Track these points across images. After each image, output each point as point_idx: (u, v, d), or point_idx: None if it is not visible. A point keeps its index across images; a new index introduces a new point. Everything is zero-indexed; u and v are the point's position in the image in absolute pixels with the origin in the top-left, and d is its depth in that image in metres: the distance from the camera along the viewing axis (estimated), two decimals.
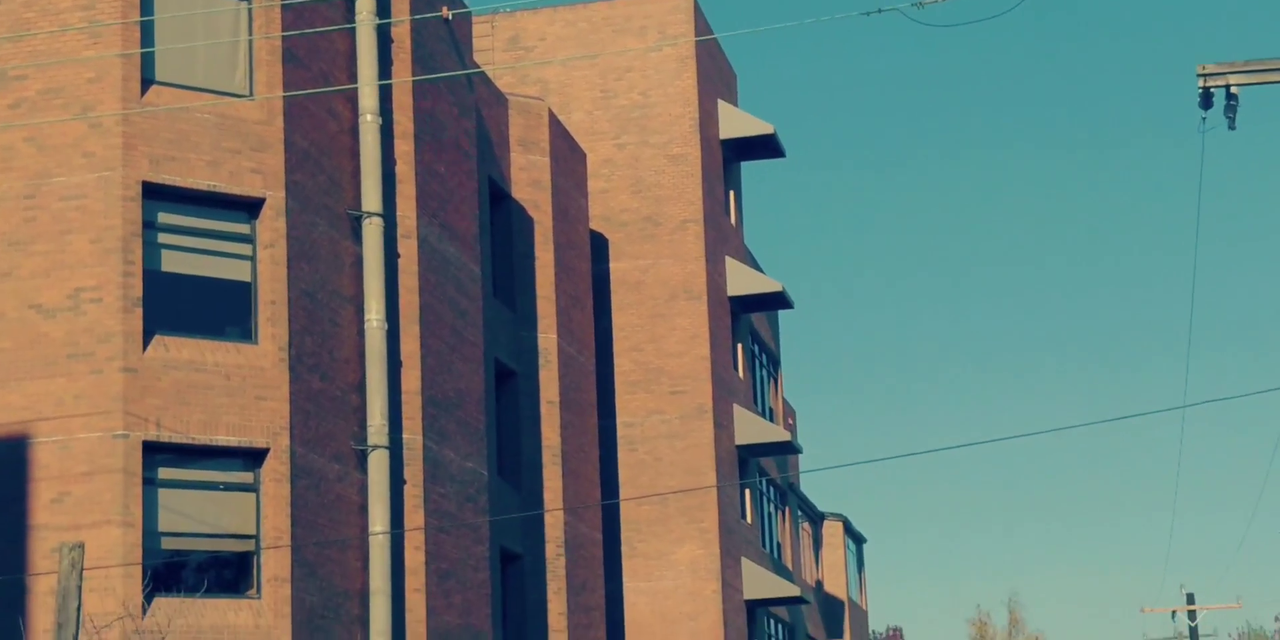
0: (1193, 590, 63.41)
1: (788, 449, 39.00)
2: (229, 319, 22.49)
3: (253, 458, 22.09)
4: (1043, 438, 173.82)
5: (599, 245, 35.37)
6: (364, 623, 23.44)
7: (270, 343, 22.29)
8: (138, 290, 21.51)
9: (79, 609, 16.55)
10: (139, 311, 21.48)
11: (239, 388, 22.00)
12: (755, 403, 40.08)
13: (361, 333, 24.00)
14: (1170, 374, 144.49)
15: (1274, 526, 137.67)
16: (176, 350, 21.80)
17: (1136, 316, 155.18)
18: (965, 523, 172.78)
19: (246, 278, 22.46)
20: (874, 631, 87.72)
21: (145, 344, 21.51)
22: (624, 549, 35.08)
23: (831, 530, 46.62)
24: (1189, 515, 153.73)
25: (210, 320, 22.44)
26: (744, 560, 36.67)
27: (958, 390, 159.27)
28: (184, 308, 22.24)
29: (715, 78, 38.33)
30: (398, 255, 24.74)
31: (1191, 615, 63.18)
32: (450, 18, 26.51)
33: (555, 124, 31.78)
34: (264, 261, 22.42)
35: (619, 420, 35.28)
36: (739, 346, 38.83)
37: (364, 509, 23.69)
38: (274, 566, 21.82)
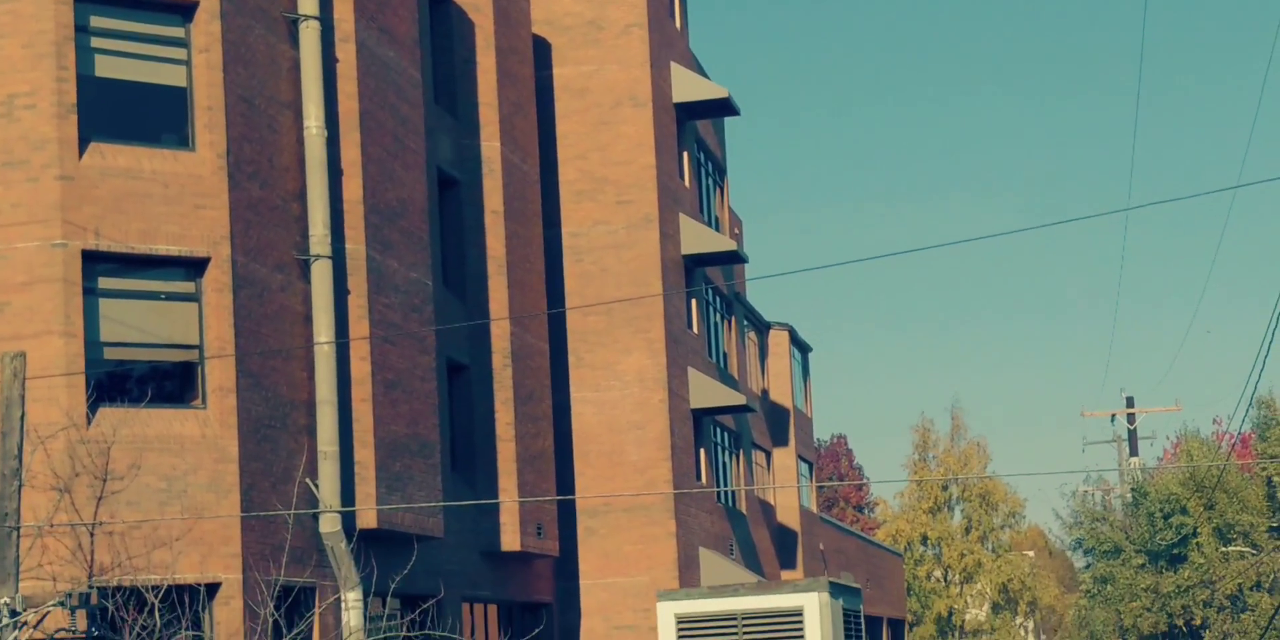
0: (1132, 394, 64.52)
1: (734, 258, 38.93)
2: (166, 126, 22.09)
3: (194, 267, 21.85)
4: (986, 243, 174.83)
5: (542, 50, 34.75)
6: (311, 433, 23.44)
7: (208, 150, 21.94)
8: (72, 96, 21.09)
9: (23, 418, 16.45)
10: (74, 118, 21.09)
11: (177, 196, 21.67)
12: (701, 212, 39.88)
13: (301, 140, 23.65)
14: (1114, 177, 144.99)
15: (1211, 329, 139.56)
16: (113, 157, 21.44)
17: (1080, 119, 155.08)
18: (909, 331, 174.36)
19: (182, 83, 22.00)
20: (819, 439, 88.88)
21: (81, 151, 21.15)
22: (571, 359, 35.11)
23: (777, 339, 46.80)
24: (1129, 320, 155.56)
25: (147, 127, 22.05)
26: (690, 370, 36.79)
27: (902, 195, 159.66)
28: (120, 114, 21.83)
29: None
30: (336, 60, 24.25)
31: (1131, 418, 64.27)
32: None
33: None
34: (199, 66, 21.96)
35: (564, 230, 35.04)
36: (685, 155, 38.50)
37: (308, 319, 23.55)
38: (219, 377, 21.72)
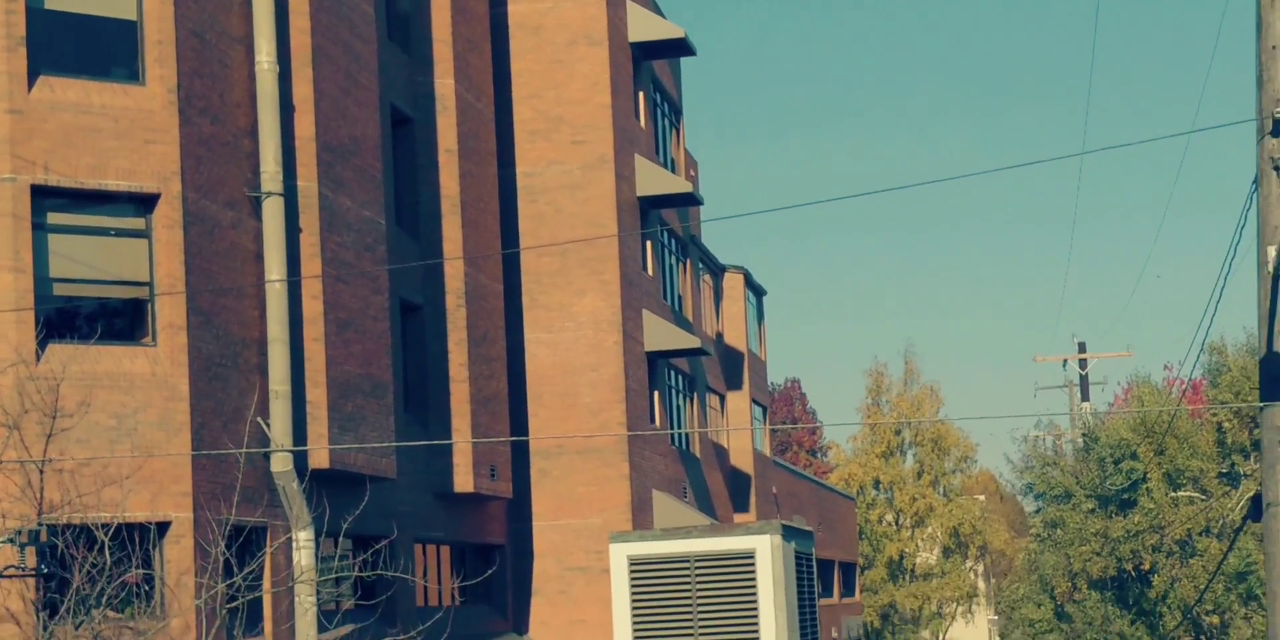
0: (1084, 339, 64.80)
1: (689, 200, 38.79)
2: (116, 59, 21.79)
3: (144, 203, 21.61)
4: (941, 188, 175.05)
5: None
6: (263, 372, 23.29)
7: (159, 85, 21.66)
8: (21, 29, 20.77)
9: None
10: (23, 51, 20.78)
11: (128, 131, 21.40)
12: (657, 154, 39.70)
13: (252, 75, 23.38)
14: (1068, 122, 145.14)
15: (1161, 274, 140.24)
16: (63, 91, 21.15)
17: (1037, 61, 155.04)
18: (864, 275, 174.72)
19: (133, 16, 21.69)
20: (773, 383, 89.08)
21: (30, 85, 20.86)
22: (525, 301, 34.97)
23: (732, 283, 46.74)
24: (1082, 265, 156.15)
25: (97, 61, 21.75)
26: (645, 312, 36.71)
27: (858, 140, 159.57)
28: (69, 47, 21.54)
29: None
30: None
31: (1083, 364, 64.58)
32: None
33: None
34: None
35: (519, 170, 34.81)
36: (640, 95, 38.28)
37: (259, 257, 23.35)
38: (169, 314, 21.53)
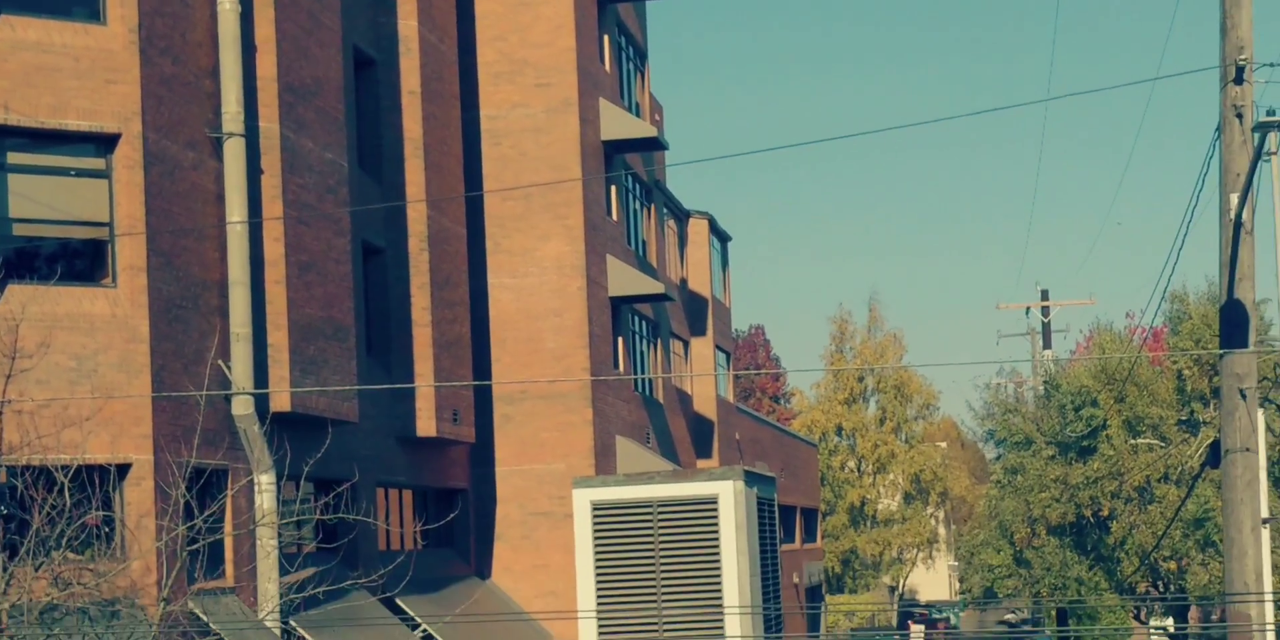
0: (1047, 287, 64.98)
1: (654, 145, 38.65)
2: None
3: (104, 143, 21.43)
4: (907, 134, 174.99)
5: None
6: (223, 314, 23.18)
7: (120, 24, 21.45)
8: None
9: None
10: None
11: (88, 71, 21.20)
12: (622, 97, 39.51)
13: (214, 15, 23.16)
14: (1034, 69, 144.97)
15: (1122, 221, 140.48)
16: (23, 30, 20.96)
17: (1003, 9, 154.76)
18: (828, 222, 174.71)
19: None
20: (737, 329, 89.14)
21: None
22: (488, 245, 34.84)
23: (696, 228, 46.65)
24: (1047, 213, 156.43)
25: (57, 0, 21.50)
26: (609, 257, 36.63)
27: (824, 86, 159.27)
28: None
29: None
30: None
31: (1045, 311, 64.77)
32: None
33: None
34: None
35: (482, 113, 34.60)
36: (605, 38, 38.05)
37: (220, 198, 23.21)
38: (129, 255, 21.39)
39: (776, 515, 30.11)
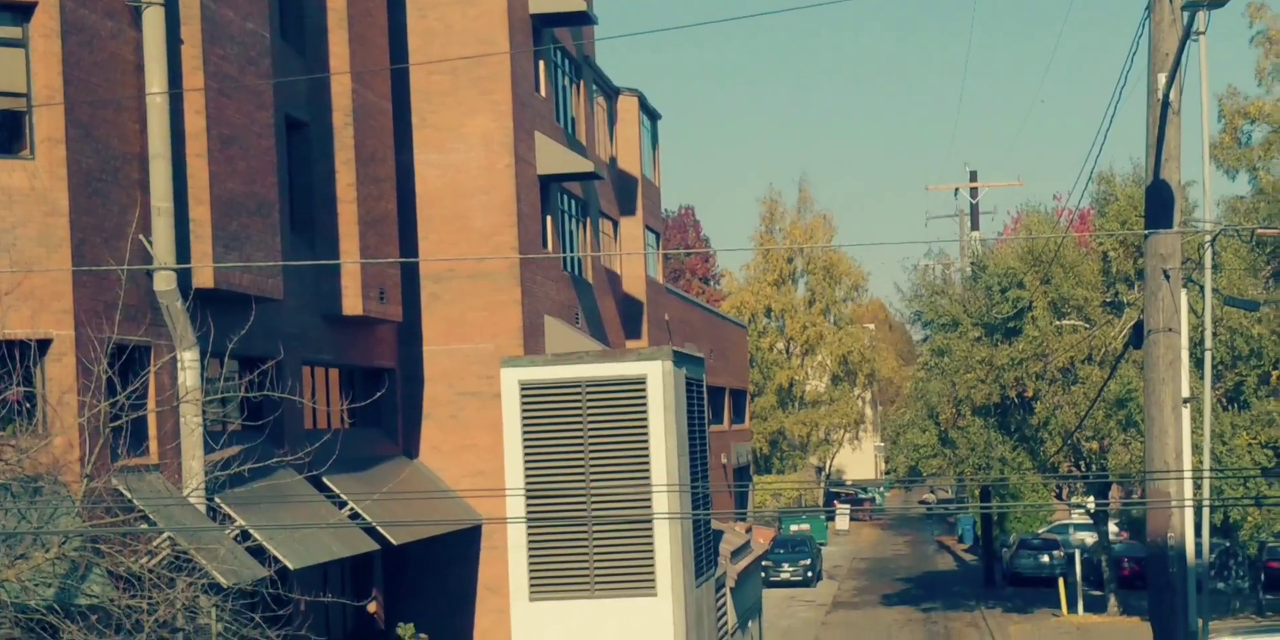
0: (976, 168, 65.02)
1: (583, 19, 38.18)
2: None
3: (20, 12, 20.89)
4: (838, 11, 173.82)
5: None
6: (144, 188, 22.81)
7: None
8: None
9: None
10: None
11: None
12: None
13: None
14: None
15: (1048, 100, 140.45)
16: None
17: None
18: (758, 101, 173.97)
19: None
20: (667, 209, 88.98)
21: None
22: (414, 120, 34.43)
23: (626, 106, 46.25)
24: (976, 94, 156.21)
25: None
26: (537, 134, 36.29)
27: None
28: None
29: None
30: None
31: (973, 192, 64.90)
32: None
33: None
34: None
35: None
36: None
37: (140, 69, 22.73)
38: (47, 127, 20.97)
39: (705, 396, 30.22)
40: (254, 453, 23.51)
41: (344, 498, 28.20)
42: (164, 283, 22.78)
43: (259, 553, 23.49)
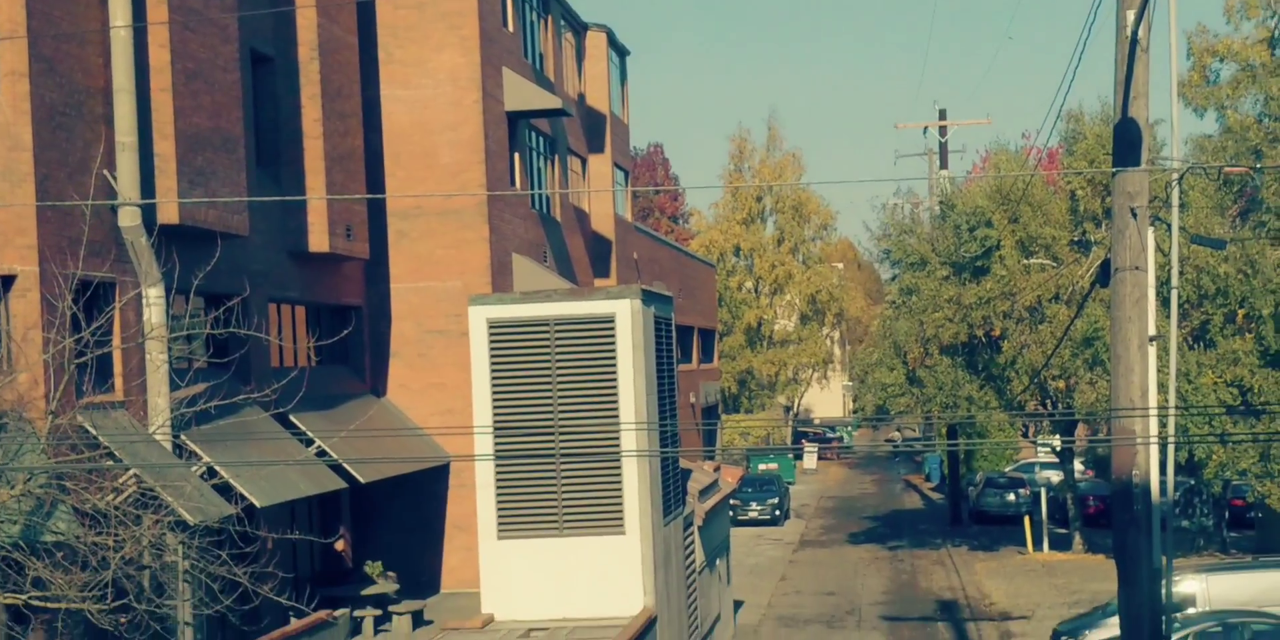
0: (945, 107, 64.91)
1: None
2: None
3: None
4: None
5: None
6: (109, 122, 22.63)
7: None
8: None
9: None
10: None
11: None
12: None
13: None
14: None
15: (1023, 43, 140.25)
16: None
17: None
18: (728, 38, 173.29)
19: None
20: (635, 147, 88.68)
21: None
22: (381, 55, 34.19)
23: (594, 42, 45.95)
24: (946, 33, 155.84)
25: None
26: (505, 70, 36.07)
27: None
28: None
29: None
30: None
31: (942, 131, 64.78)
32: None
33: None
34: None
35: None
36: None
37: (104, 2, 22.50)
38: (10, 60, 20.76)
39: (674, 335, 30.18)
40: (220, 390, 23.44)
41: (311, 435, 28.16)
42: (129, 218, 22.63)
43: (225, 490, 23.47)
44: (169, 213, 23.45)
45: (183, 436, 23.51)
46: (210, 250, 24.03)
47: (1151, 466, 19.59)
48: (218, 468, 23.68)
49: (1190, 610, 30.59)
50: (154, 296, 22.99)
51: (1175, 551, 25.06)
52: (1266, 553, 42.83)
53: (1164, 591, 18.98)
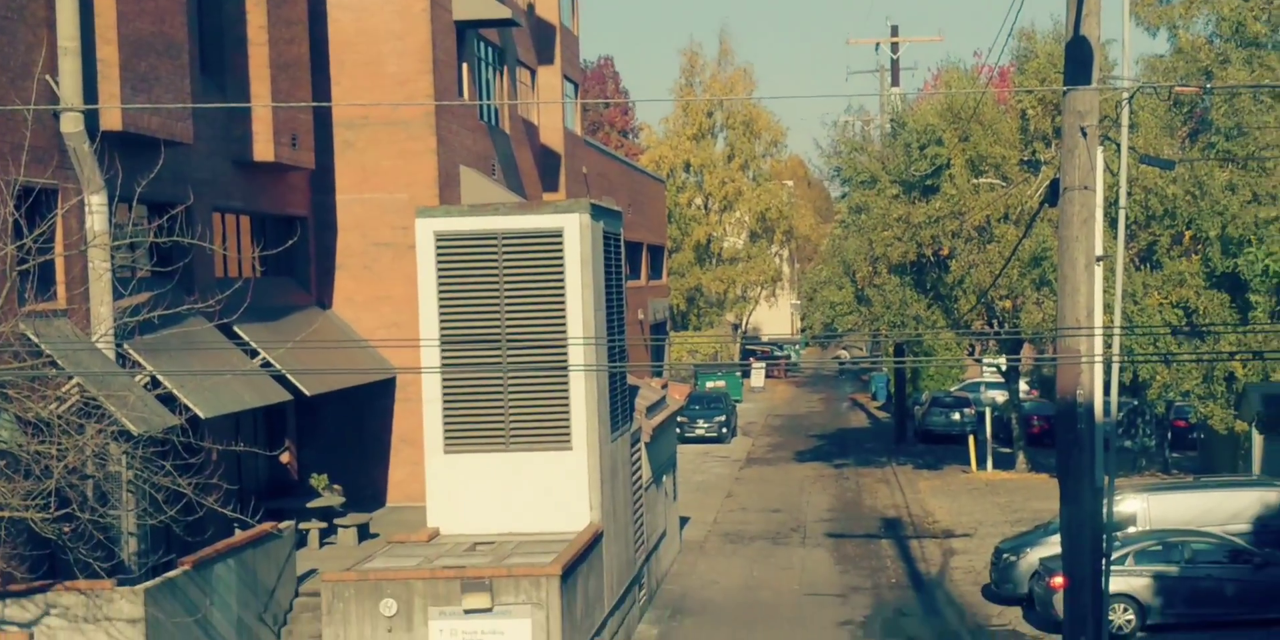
0: (897, 23, 64.56)
1: None
2: None
3: None
4: None
5: None
6: (51, 26, 22.24)
7: None
8: None
9: None
10: None
11: None
12: None
13: None
14: None
15: None
16: None
17: None
18: None
19: None
20: (585, 60, 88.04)
21: None
22: None
23: None
24: None
25: None
26: None
27: None
28: None
29: None
30: None
31: (894, 47, 64.51)
32: None
33: None
34: None
35: None
36: None
37: None
38: None
39: (623, 251, 30.07)
40: (163, 300, 23.22)
41: (255, 347, 27.98)
42: (71, 124, 22.31)
43: (169, 401, 23.31)
44: (112, 119, 23.12)
45: (126, 346, 23.31)
46: (154, 158, 23.70)
47: (1095, 387, 19.67)
48: (161, 378, 23.50)
49: (1131, 529, 30.89)
50: (96, 204, 22.71)
51: (1117, 471, 25.26)
52: (1208, 473, 43.28)
53: (1105, 510, 19.09)
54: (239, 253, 30.32)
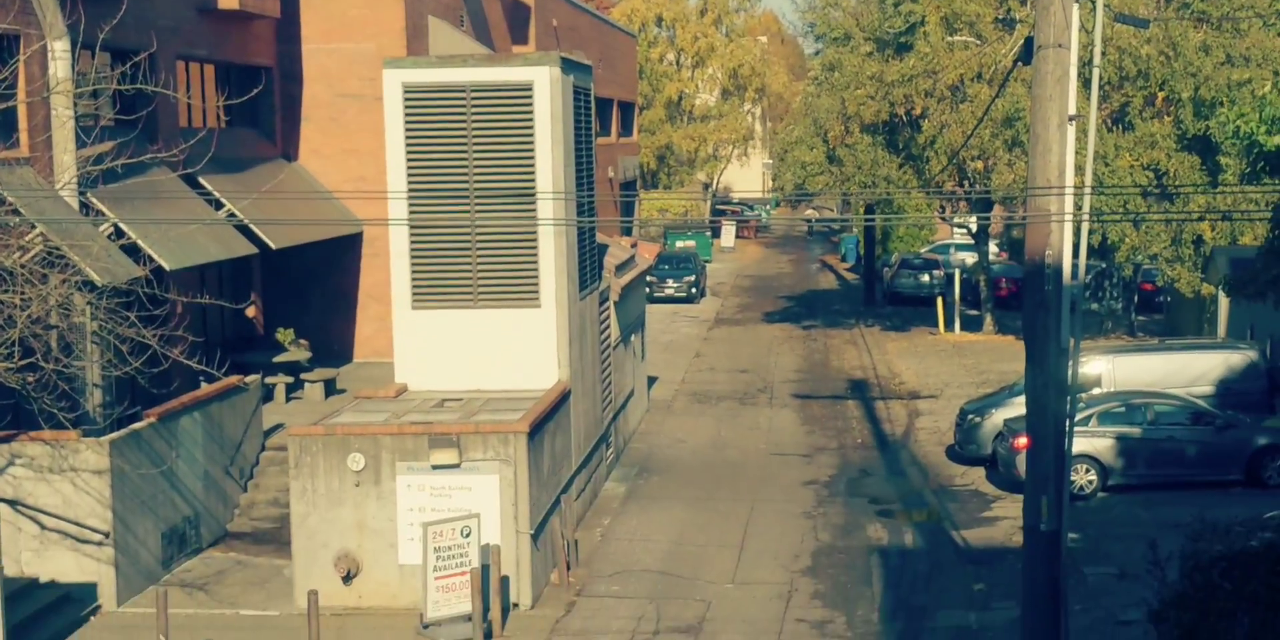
0: None
1: None
2: None
3: None
4: None
5: None
6: None
7: None
8: None
9: None
10: None
11: None
12: None
13: None
14: None
15: None
16: None
17: None
18: None
19: None
20: None
21: None
22: None
23: None
24: None
25: None
26: None
27: None
28: None
29: None
30: None
31: None
32: None
33: None
34: None
35: None
36: None
37: None
38: None
39: (593, 106, 29.74)
40: (127, 148, 22.94)
41: (220, 198, 27.73)
42: None
43: (134, 252, 23.12)
44: None
45: (89, 195, 23.07)
46: (117, 4, 23.28)
47: (1065, 246, 19.58)
48: (125, 227, 23.28)
49: (1095, 390, 31.06)
50: (59, 50, 22.34)
51: (1084, 333, 25.26)
52: (1173, 336, 43.46)
53: (1070, 372, 19.11)
54: (203, 102, 29.94)
